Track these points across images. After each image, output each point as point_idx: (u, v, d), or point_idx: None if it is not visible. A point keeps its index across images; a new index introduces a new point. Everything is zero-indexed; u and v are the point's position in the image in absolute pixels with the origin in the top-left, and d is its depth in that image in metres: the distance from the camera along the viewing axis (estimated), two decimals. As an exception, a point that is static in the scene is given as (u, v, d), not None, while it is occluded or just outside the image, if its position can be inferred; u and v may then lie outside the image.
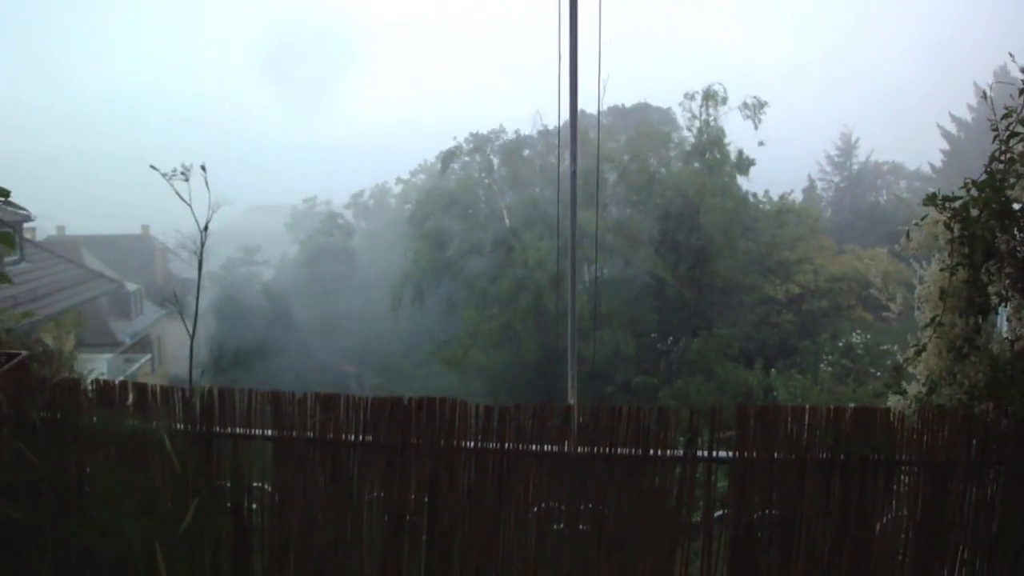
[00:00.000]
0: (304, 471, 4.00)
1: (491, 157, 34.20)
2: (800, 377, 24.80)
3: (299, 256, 40.98)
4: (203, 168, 3.40)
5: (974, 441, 3.74)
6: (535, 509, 3.91)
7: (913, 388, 4.24)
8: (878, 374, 24.31)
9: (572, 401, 5.37)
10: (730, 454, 3.82)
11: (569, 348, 5.63)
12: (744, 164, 31.52)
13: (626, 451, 3.81)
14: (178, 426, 4.03)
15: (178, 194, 3.37)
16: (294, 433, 4.00)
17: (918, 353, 4.27)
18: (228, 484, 4.07)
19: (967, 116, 44.71)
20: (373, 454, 3.97)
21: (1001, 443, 3.73)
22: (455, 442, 3.92)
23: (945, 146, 45.19)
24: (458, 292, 32.49)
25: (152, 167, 3.38)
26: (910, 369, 4.33)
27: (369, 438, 3.97)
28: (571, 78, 4.80)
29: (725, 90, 31.04)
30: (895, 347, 4.66)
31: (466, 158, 34.97)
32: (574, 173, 5.03)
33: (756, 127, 30.94)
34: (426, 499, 3.95)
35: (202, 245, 3.68)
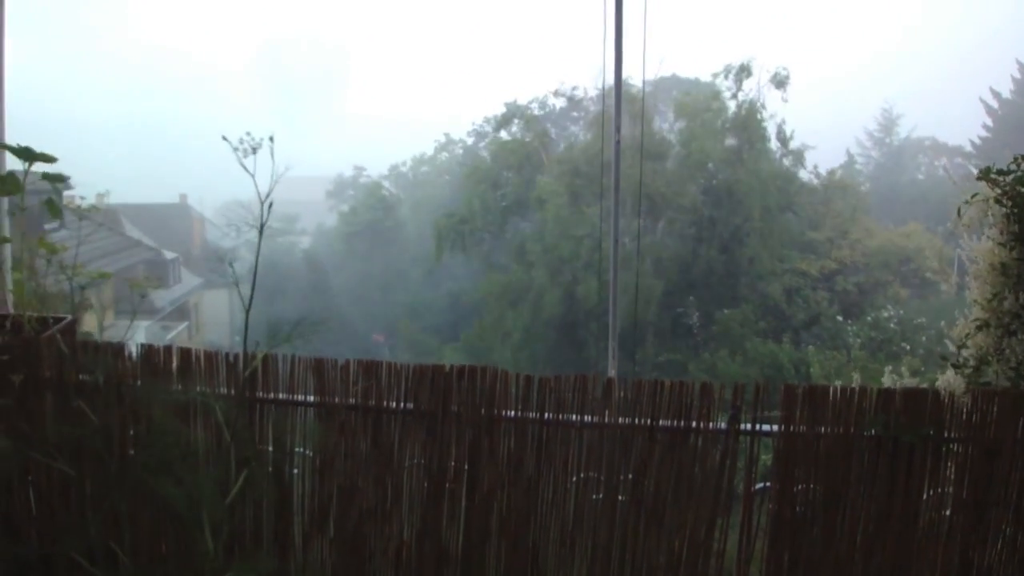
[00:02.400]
0: (346, 437, 4.03)
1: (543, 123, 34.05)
2: (834, 353, 24.61)
3: (340, 226, 41.00)
4: (271, 139, 3.39)
5: (1022, 420, 3.68)
6: (574, 479, 3.92)
7: (959, 362, 4.21)
8: (908, 348, 24.13)
9: (612, 374, 5.37)
10: (774, 428, 3.80)
11: (611, 322, 5.62)
12: (784, 139, 31.22)
13: (668, 423, 3.81)
14: (221, 390, 4.06)
15: (243, 166, 3.37)
16: (336, 399, 4.02)
17: (980, 328, 4.23)
18: (271, 449, 4.11)
19: (1007, 91, 43.77)
20: (414, 421, 3.99)
21: (1048, 422, 3.68)
22: (496, 411, 3.92)
23: (988, 121, 44.27)
24: (499, 251, 32.56)
25: (224, 138, 3.37)
26: (962, 349, 4.29)
27: (410, 405, 3.99)
28: (616, 49, 4.77)
29: (761, 66, 30.75)
30: (942, 323, 4.61)
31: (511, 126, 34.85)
32: (618, 143, 4.99)
33: (785, 99, 30.57)
34: (466, 466, 3.97)
35: (263, 220, 3.66)
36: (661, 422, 3.82)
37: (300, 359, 4.07)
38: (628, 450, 3.86)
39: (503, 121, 34.78)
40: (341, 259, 38.44)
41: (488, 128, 37.89)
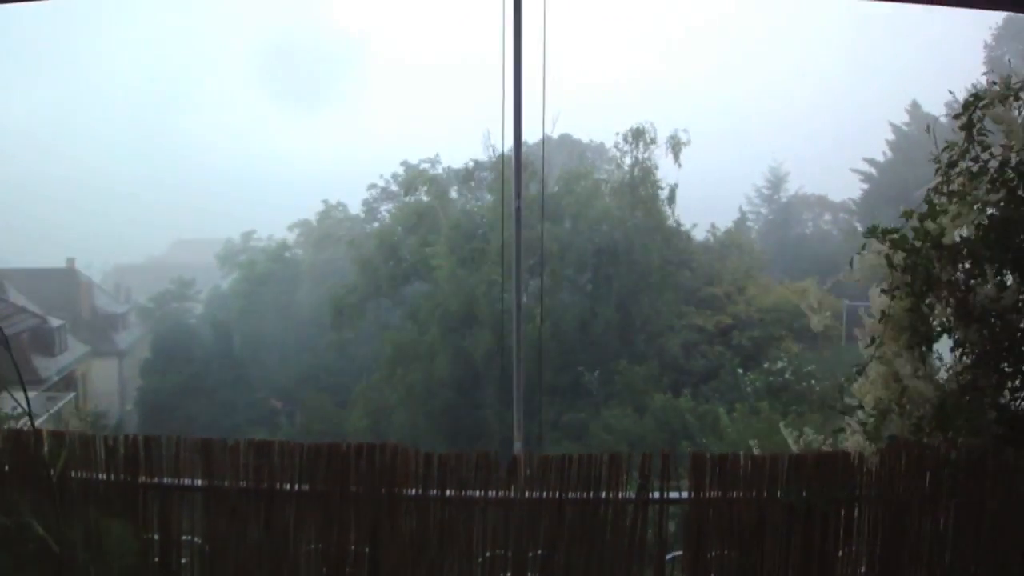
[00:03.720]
0: (237, 522, 3.78)
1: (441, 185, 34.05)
2: (736, 406, 24.97)
3: (234, 290, 40.06)
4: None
5: (928, 475, 3.68)
6: (480, 559, 3.76)
7: (860, 416, 4.21)
8: (805, 396, 24.69)
9: (518, 447, 5.24)
10: (684, 495, 3.73)
11: (515, 394, 5.49)
12: (675, 199, 31.92)
13: (577, 496, 3.69)
14: (100, 476, 3.79)
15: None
16: (226, 482, 3.79)
17: (859, 373, 4.25)
18: (156, 537, 3.84)
19: (881, 154, 46.19)
20: (310, 503, 3.78)
21: (953, 475, 3.68)
22: (396, 490, 3.74)
23: (871, 173, 46.37)
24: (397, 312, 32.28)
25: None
26: (854, 398, 4.31)
27: (306, 486, 3.77)
28: (515, 116, 4.72)
29: (655, 128, 31.52)
30: (843, 379, 4.63)
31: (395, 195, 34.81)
32: (518, 209, 4.92)
33: (678, 163, 31.38)
34: (367, 549, 3.76)
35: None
36: (570, 495, 3.69)
37: (186, 440, 3.83)
38: (536, 526, 3.72)
39: (404, 183, 34.68)
40: (236, 324, 37.51)
41: (386, 186, 37.79)
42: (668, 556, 3.82)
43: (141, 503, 3.82)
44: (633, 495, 3.73)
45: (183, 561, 3.86)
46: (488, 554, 3.75)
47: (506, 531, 3.75)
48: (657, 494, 3.75)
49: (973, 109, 4.13)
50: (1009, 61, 4.42)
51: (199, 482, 3.82)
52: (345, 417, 28.87)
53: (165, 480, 3.83)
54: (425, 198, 33.00)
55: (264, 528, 3.77)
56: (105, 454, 3.81)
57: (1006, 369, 4.09)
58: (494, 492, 3.74)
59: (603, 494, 3.71)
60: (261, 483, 3.77)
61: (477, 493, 3.75)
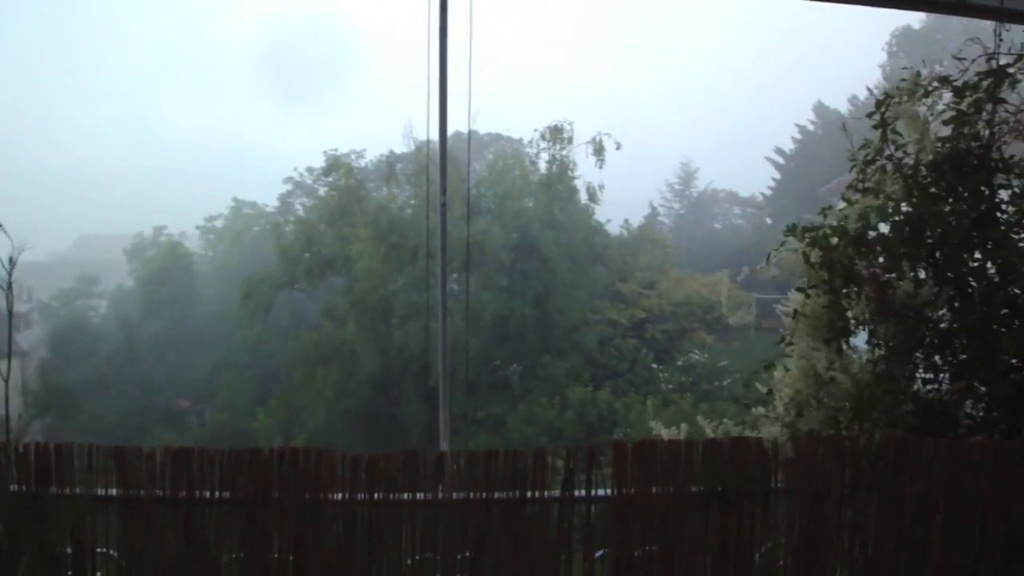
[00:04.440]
0: (155, 533, 3.66)
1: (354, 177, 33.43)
2: (651, 398, 25.33)
3: (140, 287, 38.86)
4: None
5: (847, 465, 3.75)
6: (409, 562, 3.70)
7: (778, 410, 4.29)
8: (719, 389, 25.25)
9: (445, 446, 5.20)
10: (608, 492, 3.73)
11: (441, 394, 5.44)
12: (593, 195, 32.17)
13: (504, 495, 3.66)
14: (12, 487, 3.62)
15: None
16: (142, 492, 3.66)
17: (766, 368, 4.34)
18: (68, 551, 3.69)
19: (789, 148, 47.54)
20: (231, 512, 3.67)
21: (872, 466, 3.76)
22: (321, 495, 3.66)
23: (776, 175, 47.61)
24: (312, 308, 31.73)
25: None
26: (770, 390, 4.39)
27: (226, 494, 3.67)
28: (440, 110, 4.67)
29: (572, 126, 31.72)
30: (754, 370, 4.71)
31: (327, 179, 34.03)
32: (444, 204, 4.88)
33: (599, 165, 31.64)
34: (291, 558, 3.67)
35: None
36: (496, 494, 3.66)
37: (99, 448, 3.68)
38: (464, 526, 3.68)
39: (323, 175, 33.99)
40: (142, 321, 36.44)
41: (303, 179, 37.18)
42: (597, 554, 3.82)
43: (53, 515, 3.67)
44: (558, 492, 3.72)
45: (97, 575, 3.72)
46: (417, 557, 3.70)
47: (435, 533, 3.71)
48: (583, 491, 3.74)
49: (885, 108, 4.23)
50: (924, 62, 4.53)
51: (113, 492, 3.68)
52: (258, 416, 28.34)
53: (78, 490, 3.68)
54: (344, 190, 32.42)
55: (183, 538, 3.65)
56: (16, 464, 3.65)
57: (919, 361, 4.21)
58: (422, 494, 3.69)
59: (528, 493, 3.69)
60: (179, 491, 3.65)
61: (405, 495, 3.69)
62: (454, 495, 3.67)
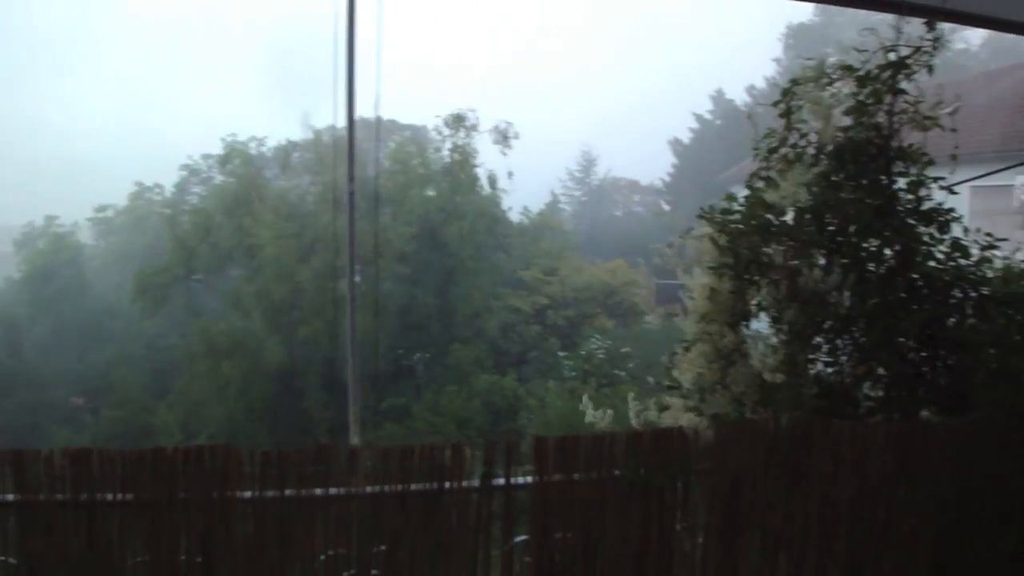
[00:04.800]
0: (55, 538, 3.50)
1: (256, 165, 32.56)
2: (554, 384, 25.50)
3: (30, 278, 37.09)
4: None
5: (760, 448, 3.83)
6: (323, 557, 3.63)
7: (684, 392, 4.35)
8: (621, 374, 25.58)
9: (355, 439, 5.11)
10: (528, 480, 3.73)
11: (351, 387, 5.35)
12: (494, 183, 32.22)
13: (420, 487, 3.62)
14: None
15: None
16: (41, 496, 3.49)
17: (687, 350, 4.39)
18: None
19: (687, 138, 48.62)
20: (135, 513, 3.54)
21: (781, 447, 3.84)
22: (229, 493, 3.55)
23: (674, 161, 48.52)
24: (212, 299, 30.91)
25: None
26: (676, 374, 4.44)
27: (130, 496, 3.53)
28: (348, 97, 4.57)
29: (476, 115, 31.70)
30: (664, 356, 4.77)
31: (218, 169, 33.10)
32: (352, 194, 4.78)
33: (504, 152, 31.69)
34: (199, 559, 3.56)
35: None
36: (413, 487, 3.62)
37: (-7, 451, 3.50)
38: (379, 520, 3.63)
39: (221, 163, 32.97)
40: (32, 316, 34.94)
41: (199, 166, 36.18)
42: (516, 540, 3.81)
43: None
44: (476, 482, 3.70)
45: (-6, 584, 3.55)
46: (330, 552, 3.62)
47: (348, 528, 3.64)
48: (502, 480, 3.73)
49: (792, 95, 4.31)
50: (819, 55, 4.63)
51: (10, 497, 3.51)
52: (157, 411, 27.53)
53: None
54: (242, 179, 31.60)
55: (86, 543, 3.50)
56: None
57: (821, 345, 4.31)
58: (334, 489, 3.62)
59: (447, 484, 3.66)
60: (80, 495, 3.49)
61: (316, 491, 3.61)
62: (368, 489, 3.61)
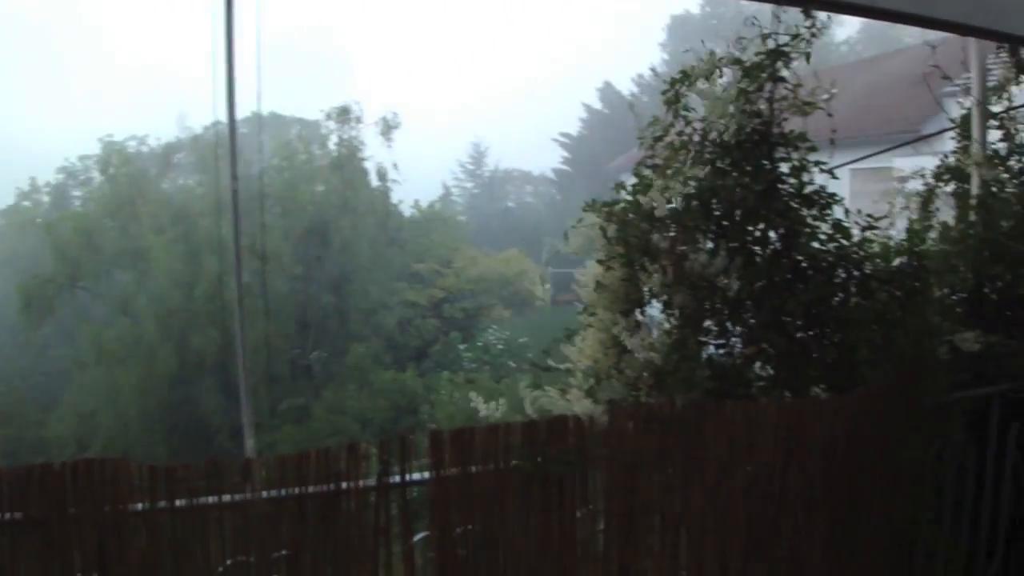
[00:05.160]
0: (-66, 567, 3.34)
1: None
2: (452, 376, 25.53)
3: None
4: None
5: (655, 432, 3.90)
6: (221, 568, 3.55)
7: (579, 378, 4.40)
8: (513, 365, 25.82)
9: (250, 450, 5.01)
10: (424, 475, 3.71)
11: (243, 394, 5.23)
12: (384, 176, 32.02)
13: (317, 490, 3.57)
14: None
15: None
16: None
17: (569, 338, 4.45)
18: None
19: (576, 129, 49.34)
20: (25, 532, 3.39)
21: (675, 432, 3.91)
22: (121, 506, 3.44)
23: (564, 154, 49.11)
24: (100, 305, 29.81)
25: None
26: (571, 362, 4.49)
27: (18, 514, 3.38)
28: (228, 93, 4.45)
29: (360, 107, 31.39)
30: (560, 344, 4.81)
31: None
32: (236, 192, 4.66)
33: (389, 144, 31.49)
34: (94, 575, 3.44)
35: None
36: (311, 490, 3.56)
37: None
38: (278, 527, 3.56)
39: (101, 164, 31.68)
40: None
41: (74, 168, 34.81)
42: (416, 537, 3.80)
43: None
44: (374, 482, 3.67)
45: None
46: (229, 562, 3.54)
47: (246, 536, 3.57)
48: (398, 478, 3.71)
49: (680, 85, 4.39)
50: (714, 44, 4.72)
51: None
52: (46, 423, 26.54)
53: None
54: (124, 180, 30.49)
55: (-31, 569, 3.36)
56: None
57: (712, 328, 4.41)
58: (228, 497, 3.54)
59: (343, 485, 3.62)
60: (-41, 517, 3.34)
61: (210, 500, 3.53)
62: (264, 495, 3.55)
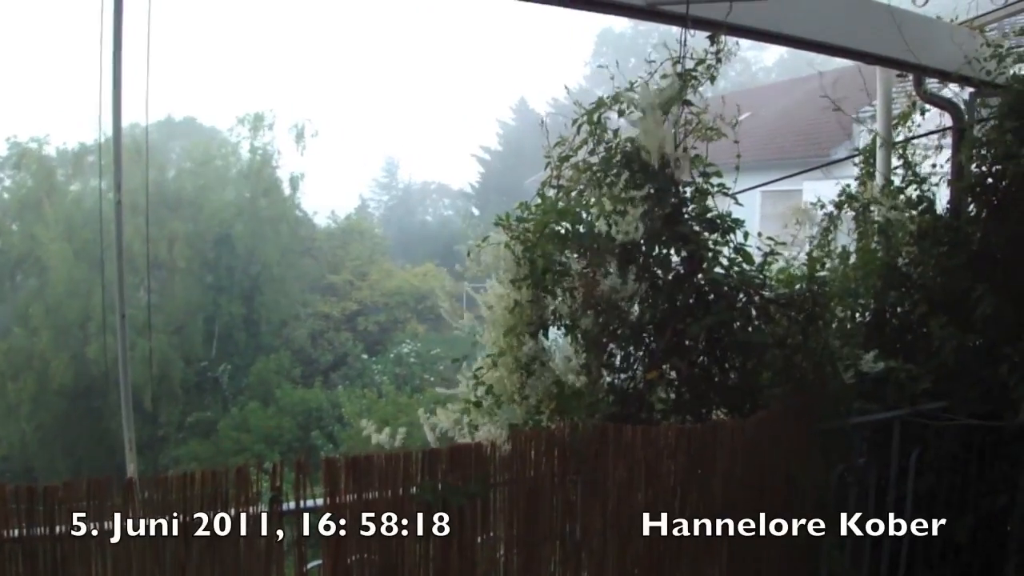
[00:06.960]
0: None
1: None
2: (364, 391, 25.21)
3: None
4: None
5: (556, 456, 3.85)
6: (104, 597, 3.36)
7: (483, 402, 4.35)
8: (431, 379, 25.62)
9: (132, 469, 4.79)
10: (319, 503, 3.59)
11: (124, 413, 5.00)
12: (296, 185, 31.58)
13: (204, 518, 3.41)
14: None
15: None
16: None
17: (455, 361, 4.42)
18: None
19: (495, 144, 49.68)
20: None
21: (575, 455, 3.87)
22: (-2, 532, 3.23)
23: (481, 169, 49.34)
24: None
25: None
26: (472, 385, 4.44)
27: None
28: (114, 95, 4.26)
29: (274, 114, 30.93)
30: (465, 361, 4.76)
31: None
32: (119, 203, 4.46)
33: (302, 152, 31.04)
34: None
35: None
36: (196, 515, 3.40)
37: None
38: (162, 554, 3.40)
39: (7, 164, 30.34)
40: None
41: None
42: (309, 565, 3.68)
43: None
44: (266, 508, 3.53)
45: None
46: (112, 591, 3.36)
47: (128, 564, 3.39)
48: (292, 504, 3.58)
49: (589, 114, 4.38)
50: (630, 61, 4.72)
51: None
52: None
53: None
54: (30, 182, 29.31)
55: None
56: None
57: (614, 352, 4.40)
58: (109, 523, 3.36)
59: (232, 511, 3.47)
60: None
61: (93, 525, 3.34)
62: (150, 522, 3.37)
